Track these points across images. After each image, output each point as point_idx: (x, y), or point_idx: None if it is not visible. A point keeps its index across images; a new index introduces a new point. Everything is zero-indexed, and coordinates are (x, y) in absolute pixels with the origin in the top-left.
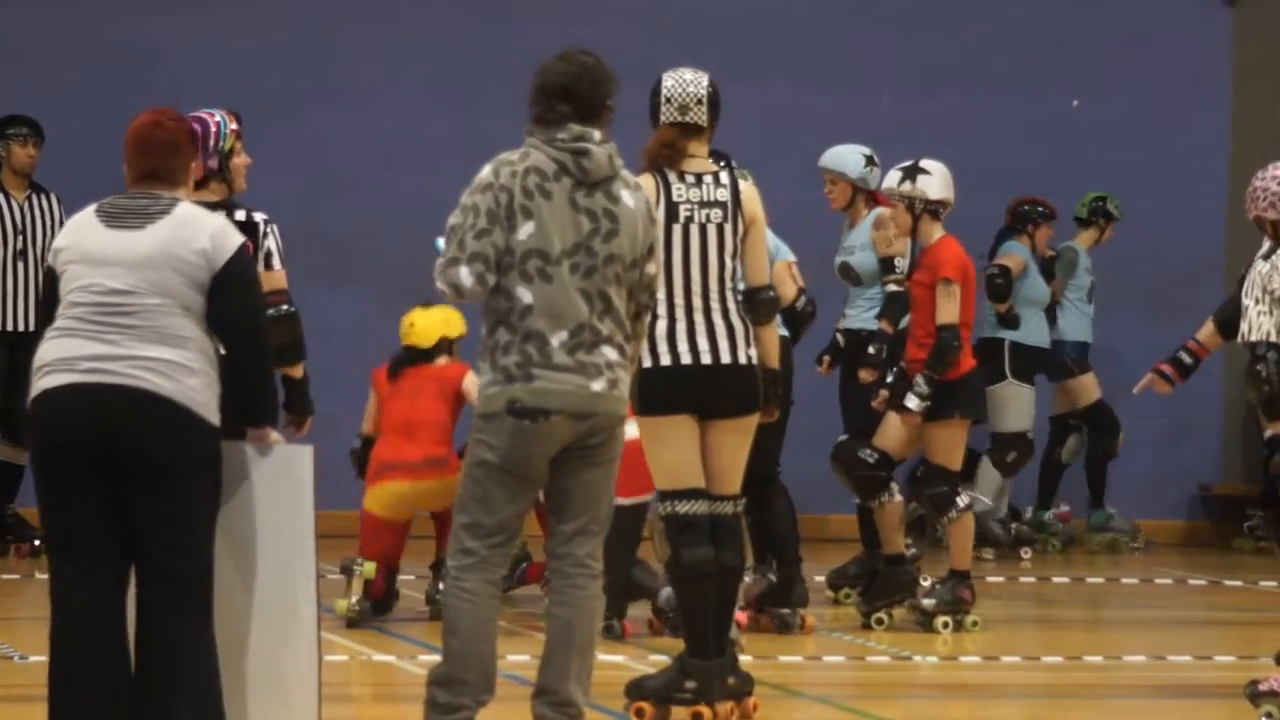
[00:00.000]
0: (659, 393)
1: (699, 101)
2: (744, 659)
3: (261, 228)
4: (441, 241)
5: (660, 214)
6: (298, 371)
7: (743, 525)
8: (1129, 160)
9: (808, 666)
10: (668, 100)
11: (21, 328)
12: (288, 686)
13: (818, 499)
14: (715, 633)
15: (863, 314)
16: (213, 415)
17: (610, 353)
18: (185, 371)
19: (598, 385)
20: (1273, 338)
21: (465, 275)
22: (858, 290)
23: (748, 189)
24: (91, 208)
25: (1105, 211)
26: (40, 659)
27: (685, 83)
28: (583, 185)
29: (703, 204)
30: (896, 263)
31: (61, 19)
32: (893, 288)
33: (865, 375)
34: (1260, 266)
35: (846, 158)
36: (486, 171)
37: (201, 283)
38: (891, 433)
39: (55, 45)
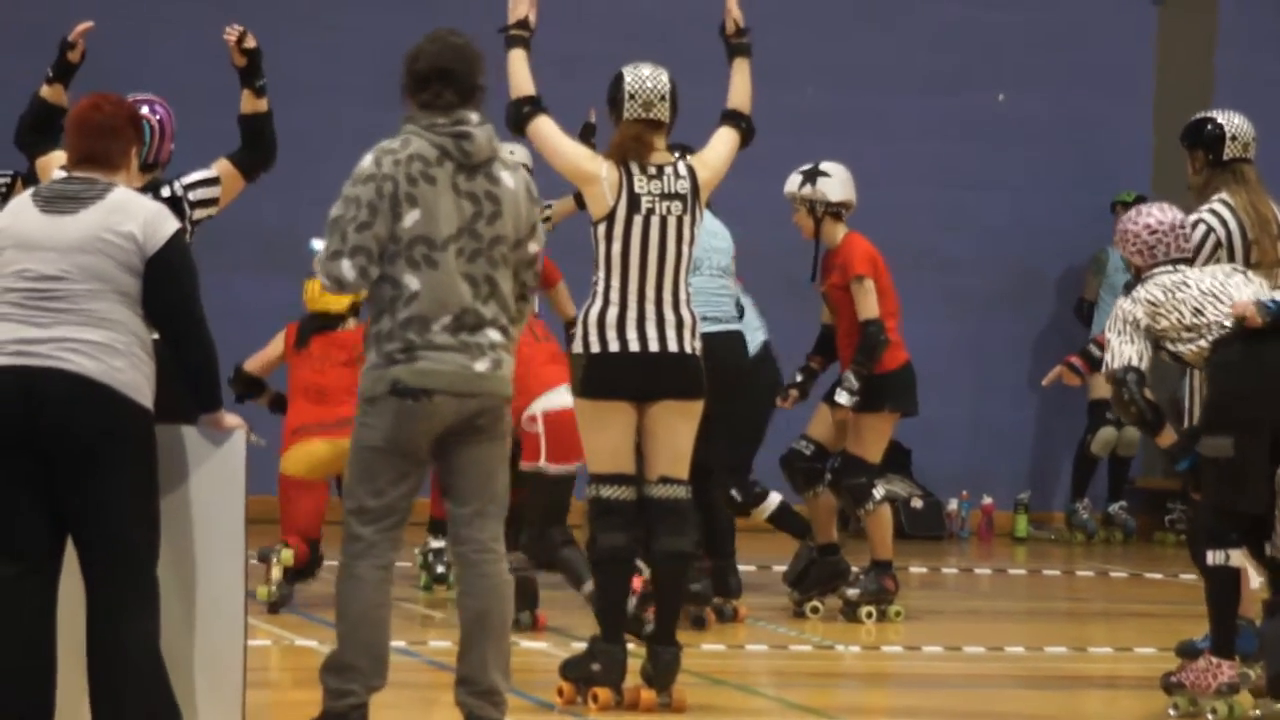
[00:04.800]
0: (601, 376)
1: (662, 98)
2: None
3: (180, 194)
4: (317, 243)
5: (622, 205)
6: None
7: (690, 510)
8: (1052, 157)
9: (732, 655)
10: (631, 97)
11: None
12: (212, 671)
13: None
14: (665, 619)
15: None
16: (142, 397)
17: (494, 334)
18: (111, 352)
19: (481, 365)
20: (1134, 363)
21: (347, 269)
22: None
23: (696, 159)
24: (29, 192)
25: None
26: None
27: (646, 79)
28: (464, 169)
29: (664, 196)
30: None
31: None
32: None
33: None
34: (1122, 303)
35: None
36: (367, 161)
37: (134, 267)
38: (822, 425)
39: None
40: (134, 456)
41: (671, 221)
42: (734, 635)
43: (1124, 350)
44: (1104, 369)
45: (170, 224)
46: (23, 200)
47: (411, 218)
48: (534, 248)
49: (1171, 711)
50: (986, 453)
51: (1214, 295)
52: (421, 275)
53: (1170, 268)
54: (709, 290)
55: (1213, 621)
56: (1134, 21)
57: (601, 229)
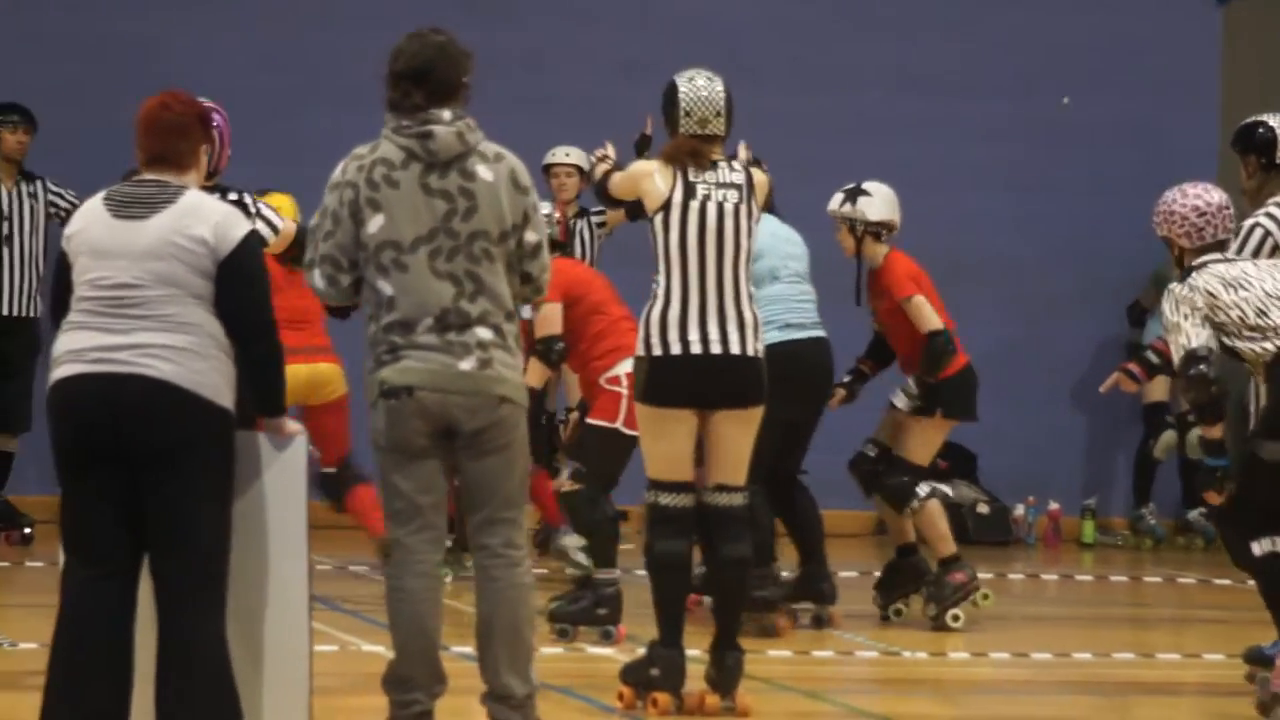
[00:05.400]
0: (663, 383)
1: (718, 114)
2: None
3: (250, 204)
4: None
5: (678, 193)
6: None
7: (751, 517)
8: (1115, 161)
9: (798, 661)
10: (687, 114)
11: (6, 312)
12: (278, 674)
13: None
14: (728, 624)
15: None
16: (223, 399)
17: (483, 333)
18: (192, 356)
19: (466, 364)
20: (1211, 344)
21: (317, 278)
22: None
23: (759, 175)
24: (101, 195)
25: None
26: (31, 646)
27: (700, 92)
28: (434, 168)
29: (719, 185)
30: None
31: (59, 12)
32: None
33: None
34: (1178, 289)
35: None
36: (338, 169)
37: (207, 271)
38: (887, 429)
39: (53, 38)
40: (213, 461)
41: (729, 209)
42: (800, 641)
43: (1199, 331)
44: (1175, 351)
45: (241, 227)
46: (95, 205)
47: (375, 223)
48: (532, 235)
49: None
50: (1052, 458)
51: (1279, 299)
52: (393, 280)
53: (1220, 255)
54: (790, 296)
55: (1274, 610)
56: (1198, 24)
57: (659, 220)
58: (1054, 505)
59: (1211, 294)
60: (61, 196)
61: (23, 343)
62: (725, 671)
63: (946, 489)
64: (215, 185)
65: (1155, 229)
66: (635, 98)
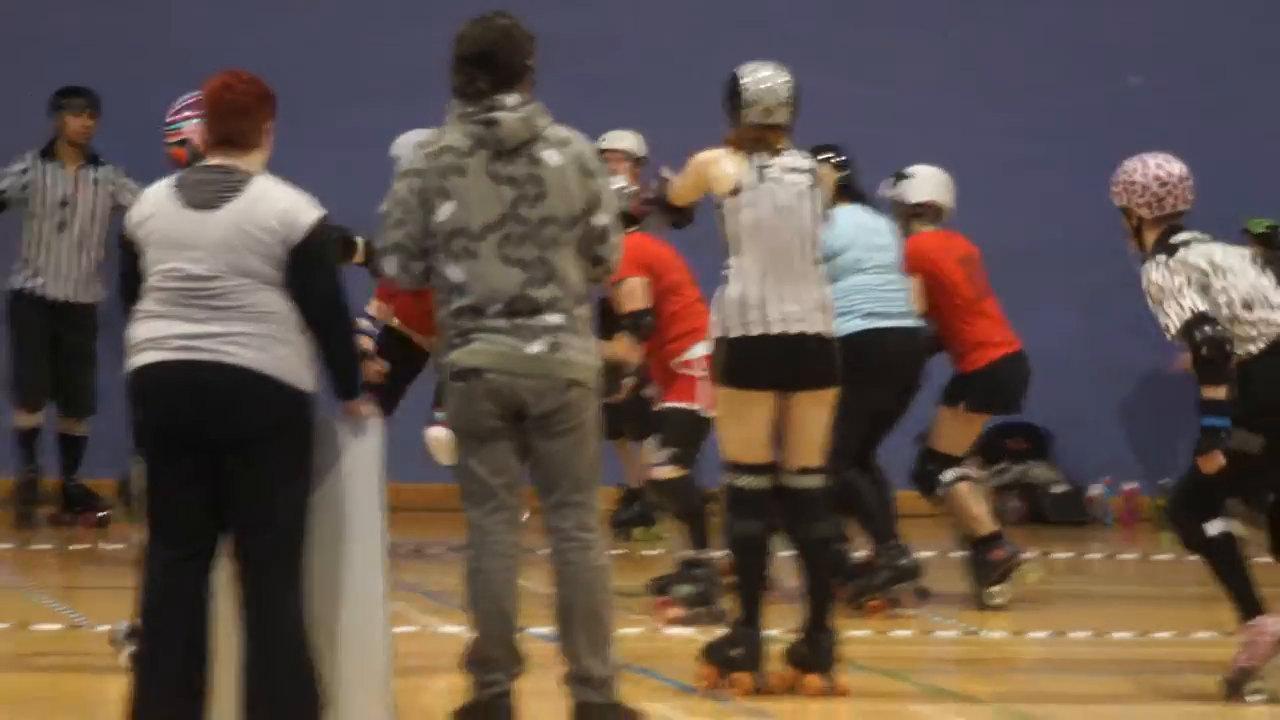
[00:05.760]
0: (742, 366)
1: (781, 104)
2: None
3: None
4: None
5: (748, 174)
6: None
7: (830, 497)
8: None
9: (879, 641)
10: (750, 104)
11: (62, 297)
12: (358, 656)
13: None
14: (820, 604)
15: None
16: (304, 384)
17: (552, 318)
18: (274, 342)
19: (534, 348)
20: (1207, 310)
21: (389, 265)
22: None
23: (825, 169)
24: (169, 182)
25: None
26: (108, 627)
27: (765, 84)
28: (501, 154)
29: (786, 169)
30: None
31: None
32: None
33: None
34: (1156, 275)
35: None
36: (406, 156)
37: (279, 257)
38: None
39: (110, 24)
40: (294, 444)
41: (801, 191)
42: (883, 623)
43: (1199, 297)
44: (1171, 319)
45: (311, 213)
46: (162, 193)
47: (445, 211)
48: (602, 219)
49: (1255, 699)
50: (1128, 439)
51: (1264, 294)
52: (463, 266)
53: (1194, 236)
54: (874, 286)
55: (1232, 590)
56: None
57: (729, 204)
58: (1129, 485)
59: (1203, 271)
60: (126, 187)
61: (85, 328)
62: (821, 652)
63: (977, 471)
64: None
65: (1114, 198)
66: (691, 82)
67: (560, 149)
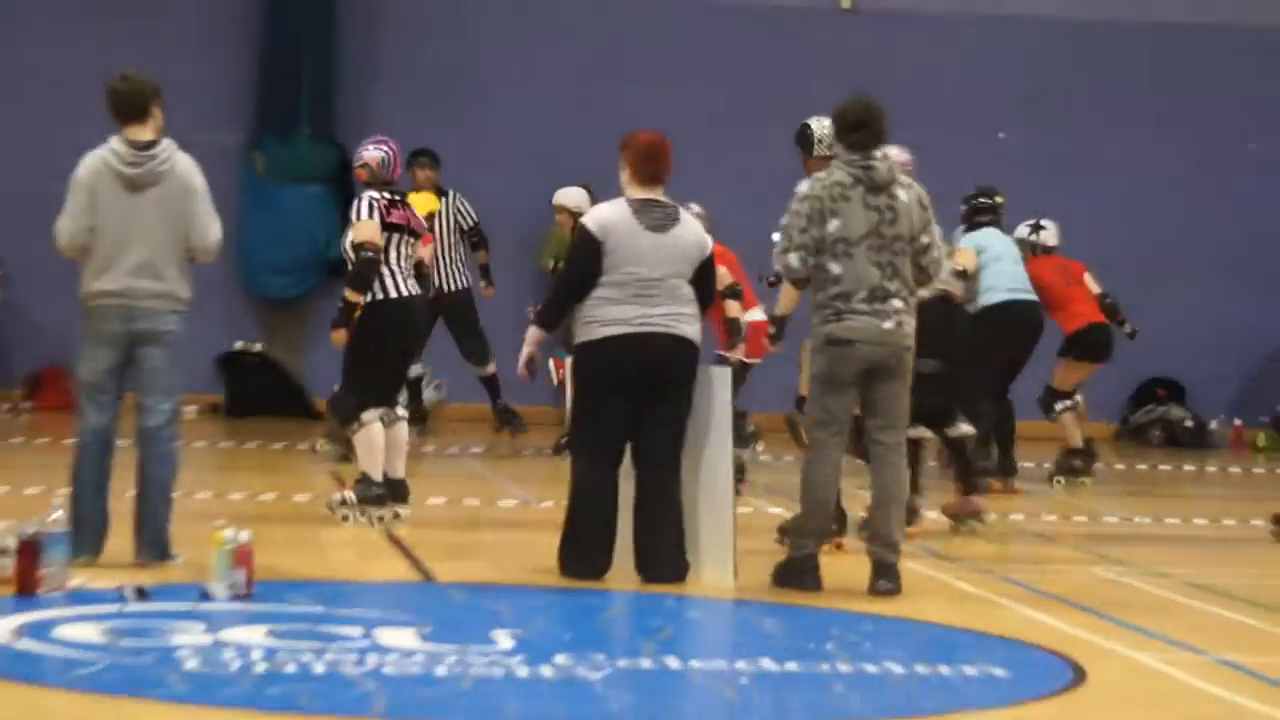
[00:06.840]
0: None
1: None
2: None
3: (399, 199)
4: (777, 235)
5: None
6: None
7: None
8: None
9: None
10: (819, 141)
11: (447, 289)
12: (712, 524)
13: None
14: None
15: None
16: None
17: (896, 303)
18: (694, 320)
19: (887, 324)
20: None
21: (794, 259)
22: None
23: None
24: (628, 209)
25: None
26: (547, 504)
27: (825, 128)
28: (871, 189)
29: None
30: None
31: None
32: None
33: None
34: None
35: None
36: (804, 187)
37: (695, 264)
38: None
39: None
40: (692, 386)
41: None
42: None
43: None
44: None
45: (707, 240)
46: (625, 215)
47: (833, 225)
48: (925, 239)
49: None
50: (1238, 384)
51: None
52: (841, 263)
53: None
54: (1010, 273)
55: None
56: None
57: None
58: (1238, 421)
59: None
60: (462, 210)
61: (467, 305)
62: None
63: (1075, 401)
64: (394, 190)
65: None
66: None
67: (907, 190)
